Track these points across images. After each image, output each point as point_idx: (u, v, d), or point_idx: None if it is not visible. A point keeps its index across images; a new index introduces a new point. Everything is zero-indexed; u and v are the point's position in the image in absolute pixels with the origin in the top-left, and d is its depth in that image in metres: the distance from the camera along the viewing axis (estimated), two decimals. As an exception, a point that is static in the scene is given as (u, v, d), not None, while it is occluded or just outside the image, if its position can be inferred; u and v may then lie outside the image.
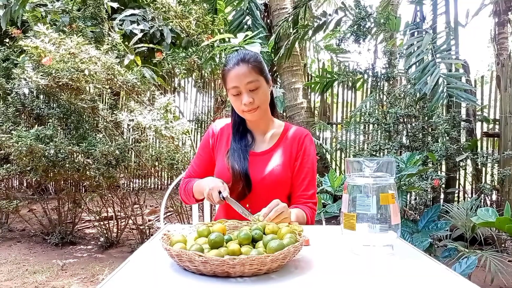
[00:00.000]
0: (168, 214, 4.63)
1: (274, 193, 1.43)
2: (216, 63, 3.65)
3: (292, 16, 4.54)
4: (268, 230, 1.07)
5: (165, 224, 1.60)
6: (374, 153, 3.71)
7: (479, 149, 4.49)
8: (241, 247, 0.98)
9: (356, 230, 1.05)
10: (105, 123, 3.80)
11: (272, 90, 1.52)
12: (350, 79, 4.87)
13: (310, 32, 4.68)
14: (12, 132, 3.33)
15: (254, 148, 1.51)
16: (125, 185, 3.96)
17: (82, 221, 4.49)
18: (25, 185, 5.19)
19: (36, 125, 3.70)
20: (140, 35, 4.08)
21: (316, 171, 1.55)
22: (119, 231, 3.96)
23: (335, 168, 5.27)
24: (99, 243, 3.88)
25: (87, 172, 3.48)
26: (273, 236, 1.00)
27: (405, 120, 3.70)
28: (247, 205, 1.41)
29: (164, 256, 0.99)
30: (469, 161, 4.07)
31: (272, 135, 1.54)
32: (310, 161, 1.52)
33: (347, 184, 1.10)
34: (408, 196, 3.88)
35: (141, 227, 3.86)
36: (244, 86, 1.39)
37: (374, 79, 3.89)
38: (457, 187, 4.26)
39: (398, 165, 2.49)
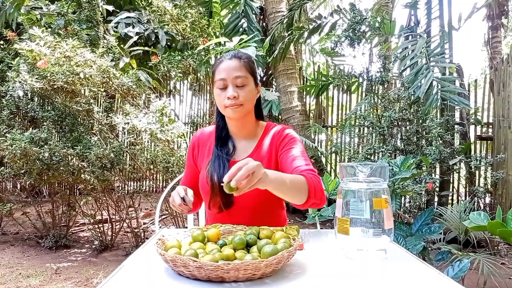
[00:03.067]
0: (163, 217, 4.62)
1: (258, 201, 1.38)
2: (211, 66, 3.66)
3: (287, 19, 4.55)
4: (262, 235, 1.08)
5: (160, 227, 1.60)
6: (368, 156, 3.73)
7: (472, 152, 4.53)
8: (235, 251, 0.99)
9: (349, 234, 1.06)
10: (100, 126, 3.79)
11: (260, 96, 1.47)
12: (345, 82, 4.90)
13: (305, 35, 4.69)
14: (7, 135, 3.32)
15: (234, 156, 1.44)
16: (120, 188, 3.94)
17: (76, 224, 4.47)
18: (19, 188, 5.15)
19: (31, 128, 3.68)
20: (135, 38, 4.08)
21: (305, 152, 1.42)
22: (113, 234, 3.94)
23: (330, 171, 5.29)
24: (94, 246, 3.86)
25: (82, 175, 3.47)
26: (267, 241, 1.01)
27: (399, 123, 3.72)
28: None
29: (159, 261, 0.99)
30: (462, 164, 4.10)
31: (252, 140, 1.47)
32: (294, 143, 1.40)
33: (341, 188, 1.11)
34: (402, 199, 3.90)
35: (136, 230, 3.84)
36: (231, 79, 1.35)
37: (369, 82, 3.91)
38: (450, 190, 4.29)
39: (392, 169, 2.50)
